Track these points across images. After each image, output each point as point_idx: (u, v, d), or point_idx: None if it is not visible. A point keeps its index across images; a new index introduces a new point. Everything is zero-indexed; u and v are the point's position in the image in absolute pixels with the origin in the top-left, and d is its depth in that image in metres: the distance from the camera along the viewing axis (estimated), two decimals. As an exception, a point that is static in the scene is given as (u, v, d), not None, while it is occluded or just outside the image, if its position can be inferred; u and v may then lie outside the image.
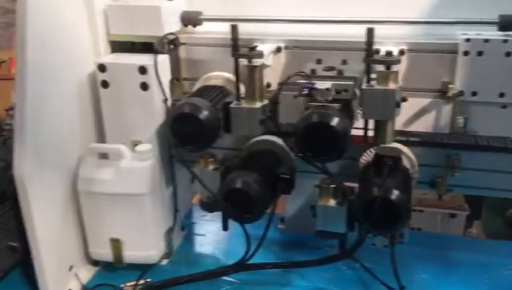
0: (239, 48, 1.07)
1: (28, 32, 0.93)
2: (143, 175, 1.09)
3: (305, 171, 1.16)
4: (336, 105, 0.99)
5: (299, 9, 1.19)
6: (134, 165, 1.09)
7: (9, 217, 1.07)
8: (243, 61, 1.06)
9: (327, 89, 0.98)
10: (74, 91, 1.12)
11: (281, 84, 1.04)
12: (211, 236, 1.37)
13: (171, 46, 1.20)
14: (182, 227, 1.34)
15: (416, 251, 1.23)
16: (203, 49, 1.23)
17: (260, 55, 1.06)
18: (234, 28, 1.07)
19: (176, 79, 1.22)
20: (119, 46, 1.21)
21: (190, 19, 1.21)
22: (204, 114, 1.04)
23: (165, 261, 1.23)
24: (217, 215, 1.31)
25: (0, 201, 1.05)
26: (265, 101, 1.09)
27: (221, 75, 1.20)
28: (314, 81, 1.00)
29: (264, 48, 1.12)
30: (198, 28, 1.25)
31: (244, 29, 1.12)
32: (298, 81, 1.01)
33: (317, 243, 1.32)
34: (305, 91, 1.00)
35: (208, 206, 1.22)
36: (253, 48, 1.06)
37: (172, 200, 1.23)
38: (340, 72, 1.02)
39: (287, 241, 1.33)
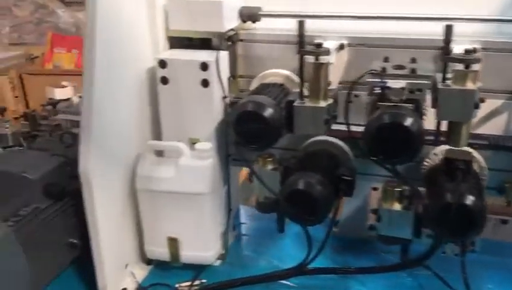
0: (305, 45, 1.04)
1: (97, 29, 0.92)
2: (204, 174, 1.07)
3: (360, 173, 1.12)
4: (409, 105, 0.95)
5: (362, 5, 1.15)
6: (195, 163, 1.07)
7: (70, 214, 1.06)
8: (309, 59, 1.03)
9: (402, 88, 0.94)
10: (134, 87, 1.11)
11: (353, 83, 1.00)
12: (263, 237, 1.34)
13: (229, 43, 1.17)
14: (233, 227, 1.31)
15: (480, 259, 1.18)
16: (261, 45, 1.20)
17: (327, 52, 1.02)
18: (301, 24, 1.03)
19: (232, 76, 1.19)
20: (176, 42, 1.19)
21: (249, 15, 1.18)
22: (269, 112, 1.01)
23: (218, 262, 1.21)
24: (266, 216, 1.29)
25: (60, 197, 1.04)
26: (330, 100, 1.06)
27: (279, 73, 1.17)
28: (386, 80, 0.96)
29: (327, 45, 1.09)
30: (255, 24, 1.22)
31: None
32: (368, 79, 0.98)
33: (372, 247, 1.29)
34: (377, 90, 0.96)
35: (265, 207, 1.19)
36: (319, 45, 1.03)
37: (227, 199, 1.21)
38: (413, 71, 0.98)
39: (341, 245, 1.29)
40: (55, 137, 1.23)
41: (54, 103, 2.37)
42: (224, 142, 1.17)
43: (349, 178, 1.06)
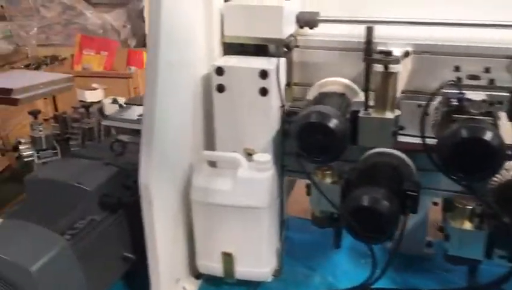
0: (372, 53, 0.99)
1: (162, 34, 0.88)
2: (263, 187, 1.02)
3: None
4: (488, 118, 0.89)
5: (426, 10, 1.09)
6: (254, 176, 1.02)
7: (124, 226, 1.02)
8: (378, 67, 0.97)
9: (483, 101, 0.88)
10: (189, 95, 1.07)
11: (433, 94, 0.94)
12: (313, 251, 1.29)
13: (284, 49, 1.12)
14: (284, 240, 1.26)
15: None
16: (317, 52, 1.15)
17: (397, 60, 0.96)
18: (369, 31, 0.98)
19: (287, 84, 1.14)
20: (229, 48, 1.15)
21: (307, 21, 1.13)
22: (334, 123, 0.95)
23: (270, 278, 1.15)
24: (311, 227, 1.23)
25: (115, 209, 1.00)
26: (397, 111, 1.00)
27: (339, 81, 1.12)
28: (463, 91, 0.91)
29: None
30: (309, 30, 1.17)
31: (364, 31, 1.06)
32: (445, 90, 0.92)
33: (431, 265, 1.23)
34: (454, 102, 0.90)
35: (320, 221, 1.14)
36: (388, 53, 0.97)
37: (281, 212, 1.16)
38: (492, 82, 0.92)
39: (398, 262, 1.23)
40: (105, 144, 1.20)
41: (87, 106, 2.35)
42: (280, 153, 1.12)
43: (414, 193, 1.01)
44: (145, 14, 3.93)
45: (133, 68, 3.39)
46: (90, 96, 2.36)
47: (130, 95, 3.16)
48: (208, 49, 1.10)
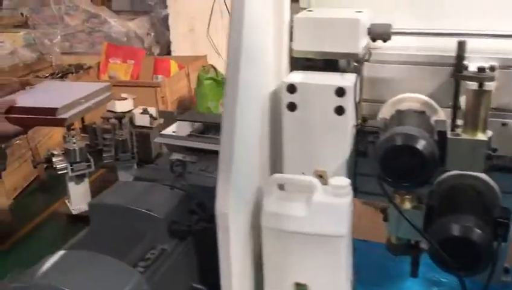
0: (463, 69, 0.92)
1: (242, 55, 0.82)
2: (342, 213, 0.95)
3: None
4: None
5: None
6: (332, 201, 0.95)
7: (192, 255, 0.95)
8: (471, 85, 0.90)
9: None
10: (259, 114, 1.00)
11: None
12: (381, 278, 1.21)
13: (355, 64, 1.06)
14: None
15: None
16: (390, 66, 1.08)
17: (492, 78, 0.89)
18: (461, 46, 0.91)
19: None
20: (295, 63, 1.08)
21: (380, 33, 1.06)
22: (423, 145, 0.88)
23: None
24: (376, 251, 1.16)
25: (185, 236, 0.93)
26: (489, 133, 0.93)
27: (418, 98, 1.04)
28: None
29: (473, 67, 0.96)
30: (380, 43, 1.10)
31: (441, 44, 0.99)
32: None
33: (508, 293, 1.14)
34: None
35: (396, 248, 1.07)
36: (482, 69, 0.90)
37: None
38: None
39: (474, 290, 1.15)
40: (163, 165, 1.14)
41: (119, 117, 2.30)
42: (352, 174, 1.05)
43: (506, 221, 0.93)
44: (170, 22, 3.90)
45: (160, 77, 3.34)
46: (120, 106, 2.30)
47: (157, 105, 3.10)
48: (276, 65, 1.04)
